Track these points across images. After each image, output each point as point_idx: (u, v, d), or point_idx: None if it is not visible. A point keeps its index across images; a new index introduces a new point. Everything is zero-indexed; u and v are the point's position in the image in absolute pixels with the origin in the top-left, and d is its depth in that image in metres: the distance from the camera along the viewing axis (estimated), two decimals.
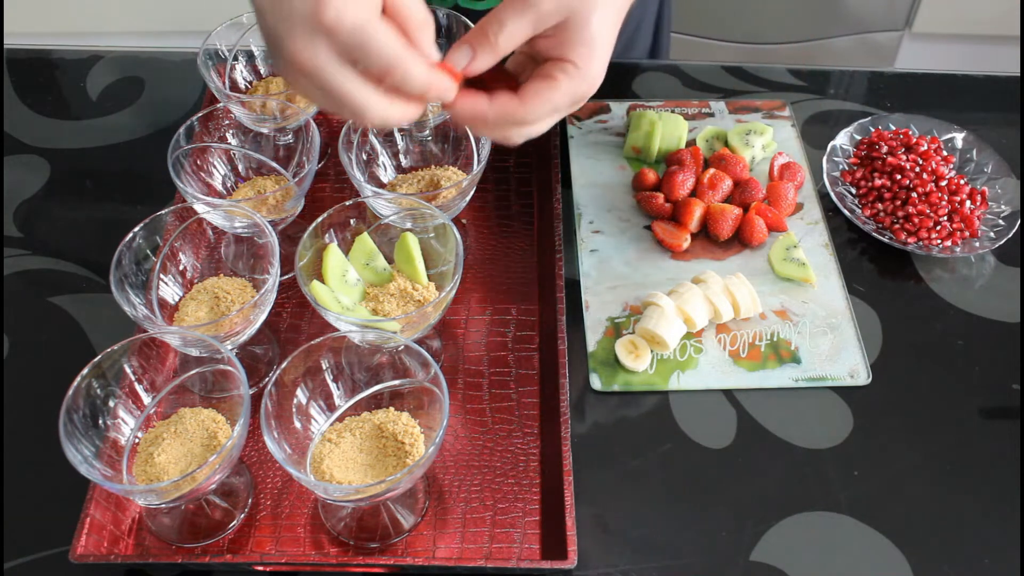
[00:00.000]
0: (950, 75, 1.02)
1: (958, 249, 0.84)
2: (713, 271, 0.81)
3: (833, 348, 0.78)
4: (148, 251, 0.71)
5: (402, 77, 0.56)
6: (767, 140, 0.92)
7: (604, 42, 0.64)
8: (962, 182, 0.87)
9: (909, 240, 0.84)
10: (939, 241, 0.84)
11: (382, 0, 0.56)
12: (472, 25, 0.85)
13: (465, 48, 0.63)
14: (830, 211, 0.88)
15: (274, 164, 0.82)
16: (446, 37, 0.88)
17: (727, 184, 0.86)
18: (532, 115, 0.63)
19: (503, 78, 0.64)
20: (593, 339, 0.79)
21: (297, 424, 0.64)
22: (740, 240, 0.85)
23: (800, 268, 0.82)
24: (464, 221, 0.87)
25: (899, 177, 0.86)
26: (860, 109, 0.98)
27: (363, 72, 0.56)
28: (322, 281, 0.70)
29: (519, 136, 0.66)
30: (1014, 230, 0.84)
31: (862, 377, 0.76)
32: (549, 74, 0.63)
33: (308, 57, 0.54)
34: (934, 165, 0.87)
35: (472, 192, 0.78)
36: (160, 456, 0.64)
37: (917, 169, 0.87)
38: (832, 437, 0.73)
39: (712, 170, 0.87)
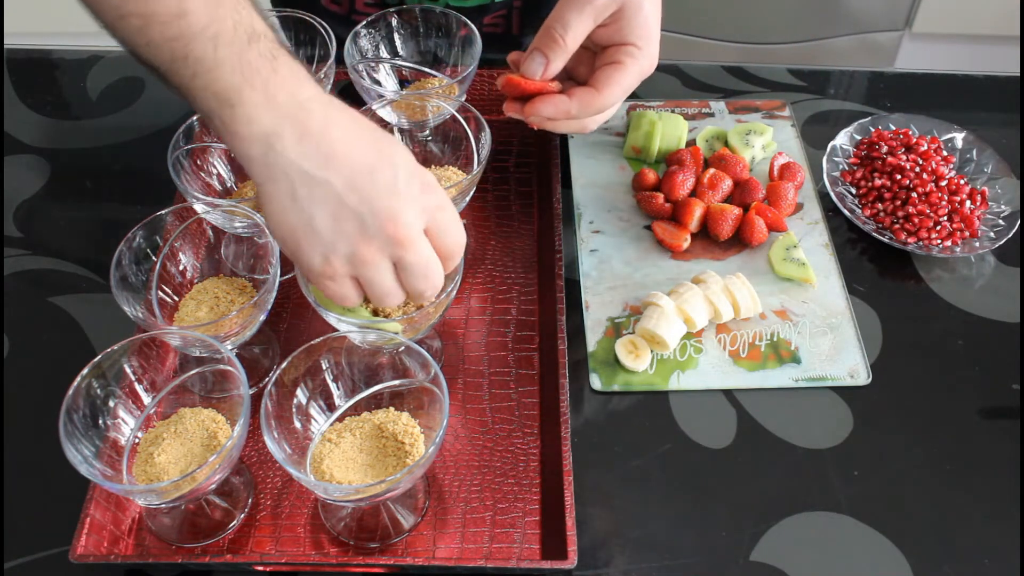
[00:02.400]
0: (950, 75, 1.02)
1: (958, 249, 0.84)
2: (713, 271, 0.81)
3: (833, 348, 0.78)
4: (148, 251, 0.71)
5: (424, 297, 0.61)
6: (767, 140, 0.92)
7: (657, 20, 0.69)
8: (962, 182, 0.87)
9: (909, 240, 0.84)
10: (939, 241, 0.84)
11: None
12: (467, 21, 0.85)
13: (537, 55, 0.68)
14: (830, 211, 0.88)
15: None
16: (445, 35, 0.88)
17: (727, 184, 0.86)
18: (609, 101, 0.69)
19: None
20: (593, 339, 0.79)
21: (297, 424, 0.64)
22: (740, 240, 0.85)
23: (800, 268, 0.82)
24: (464, 221, 0.87)
25: (899, 177, 0.86)
26: (860, 109, 0.98)
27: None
28: None
29: (595, 123, 0.72)
30: (1014, 230, 0.84)
31: (862, 377, 0.76)
32: (616, 60, 0.68)
33: (372, 256, 0.57)
34: (934, 165, 0.87)
35: (472, 192, 0.78)
36: (160, 456, 0.64)
37: (917, 169, 0.87)
38: (832, 437, 0.73)
39: (712, 170, 0.87)
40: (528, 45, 0.72)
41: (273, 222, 0.58)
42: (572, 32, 0.67)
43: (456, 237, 0.61)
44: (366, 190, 0.55)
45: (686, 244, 0.84)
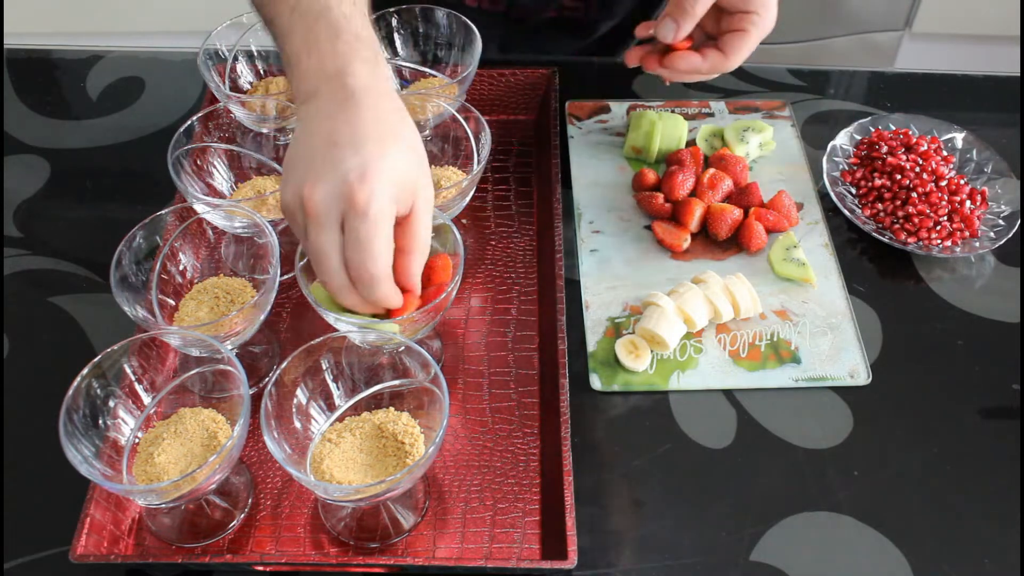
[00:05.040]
0: (950, 75, 1.02)
1: (958, 249, 0.84)
2: (713, 271, 0.81)
3: (833, 348, 0.78)
4: (148, 251, 0.71)
5: (362, 284, 0.61)
6: (766, 139, 0.92)
7: None
8: (962, 182, 0.87)
9: (909, 240, 0.84)
10: (939, 241, 0.84)
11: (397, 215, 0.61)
12: (470, 23, 0.85)
13: (669, 22, 0.78)
14: (830, 211, 0.88)
15: (274, 164, 0.82)
16: (445, 35, 0.88)
17: (727, 184, 0.86)
18: (733, 63, 0.81)
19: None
20: (593, 339, 0.79)
21: (297, 424, 0.64)
22: (739, 244, 0.85)
23: (800, 268, 0.82)
24: (464, 221, 0.87)
25: (899, 177, 0.86)
26: (860, 109, 0.98)
27: (344, 250, 0.61)
28: None
29: (715, 75, 0.84)
30: (1014, 230, 0.84)
31: (862, 377, 0.76)
32: (741, 27, 0.79)
33: (317, 205, 0.59)
34: (934, 165, 0.87)
35: (472, 192, 0.78)
36: (160, 456, 0.64)
37: (917, 169, 0.87)
38: (832, 437, 0.73)
39: (712, 170, 0.87)
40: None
41: (285, 158, 0.65)
42: (701, 2, 0.77)
43: (423, 238, 0.63)
44: (361, 152, 0.59)
45: (686, 244, 0.84)
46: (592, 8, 1.02)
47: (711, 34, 0.82)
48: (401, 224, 0.62)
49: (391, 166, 0.60)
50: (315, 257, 0.61)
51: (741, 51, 0.79)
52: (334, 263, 0.60)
